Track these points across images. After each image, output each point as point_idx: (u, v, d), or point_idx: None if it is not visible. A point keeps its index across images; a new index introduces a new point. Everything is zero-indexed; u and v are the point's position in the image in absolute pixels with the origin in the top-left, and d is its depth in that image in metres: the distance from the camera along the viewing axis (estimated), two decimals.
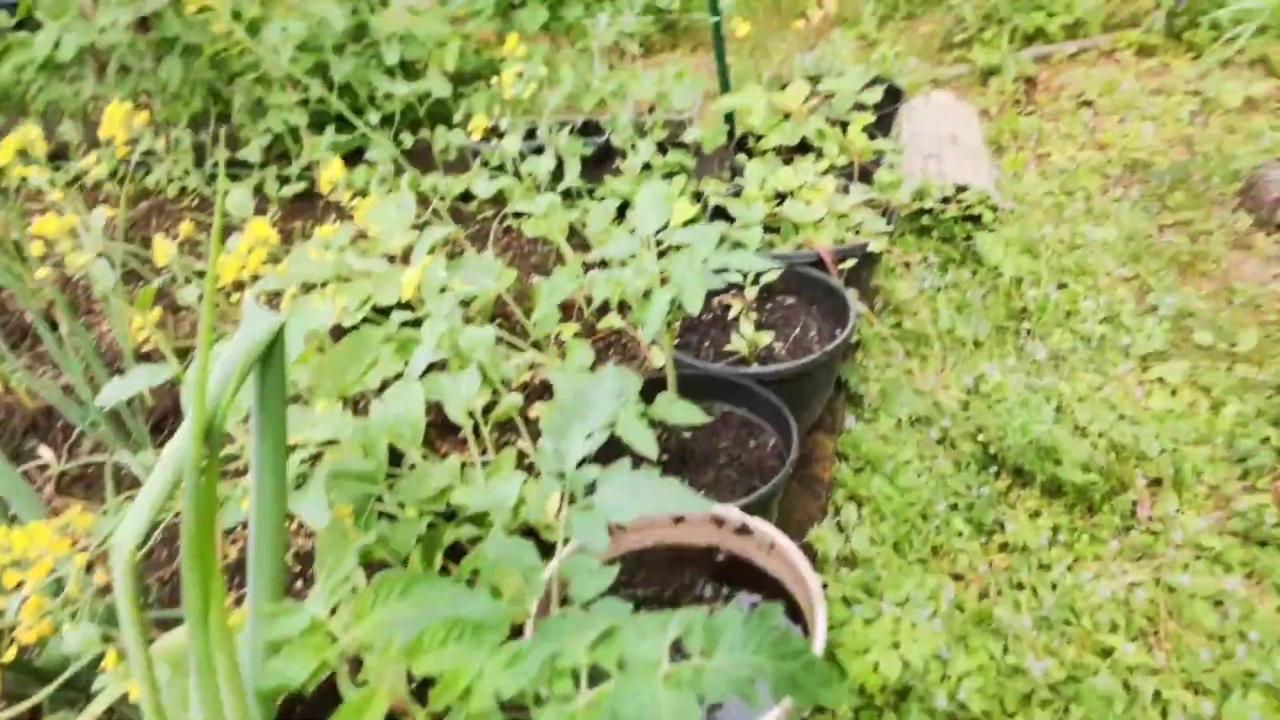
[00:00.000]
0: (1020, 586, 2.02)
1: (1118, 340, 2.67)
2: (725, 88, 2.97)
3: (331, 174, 2.21)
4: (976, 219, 3.02)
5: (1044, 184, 3.47)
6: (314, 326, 1.40)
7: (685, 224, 2.57)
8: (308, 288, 2.14)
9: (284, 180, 3.66)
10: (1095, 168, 3.56)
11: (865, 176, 2.67)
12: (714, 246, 1.61)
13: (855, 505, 2.22)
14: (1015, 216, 3.21)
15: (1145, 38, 4.47)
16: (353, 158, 3.59)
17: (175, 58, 3.39)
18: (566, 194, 3.22)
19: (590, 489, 1.04)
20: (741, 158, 2.78)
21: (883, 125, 3.19)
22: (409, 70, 3.35)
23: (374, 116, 3.33)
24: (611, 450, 1.15)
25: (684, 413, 1.68)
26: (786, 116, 2.73)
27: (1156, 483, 2.21)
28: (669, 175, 3.03)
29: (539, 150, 3.03)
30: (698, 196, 2.68)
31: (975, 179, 3.05)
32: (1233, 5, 4.33)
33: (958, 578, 2.07)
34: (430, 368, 1.62)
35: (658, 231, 1.71)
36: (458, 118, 3.24)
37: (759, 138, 2.77)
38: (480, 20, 2.90)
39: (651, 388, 1.87)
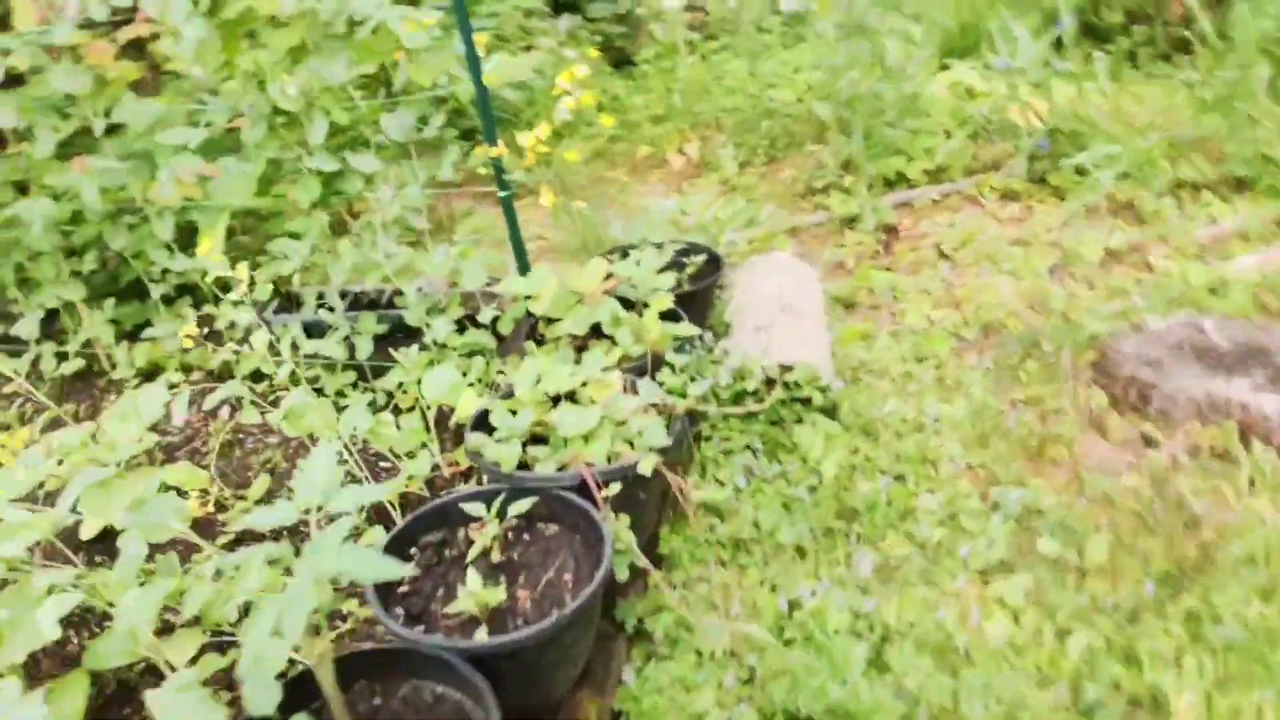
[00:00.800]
0: None
1: (956, 546, 2.34)
2: (522, 266, 2.66)
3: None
4: (807, 401, 2.71)
5: (895, 348, 3.19)
6: None
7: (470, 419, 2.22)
8: None
9: (62, 357, 3.23)
10: (950, 329, 3.30)
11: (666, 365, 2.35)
12: (341, 537, 1.23)
13: None
14: (857, 390, 2.91)
15: (1008, 182, 4.33)
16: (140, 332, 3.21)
17: None
18: (360, 374, 2.86)
19: None
20: (530, 346, 2.44)
21: (702, 299, 2.90)
22: (188, 243, 3.00)
23: (157, 290, 2.96)
24: None
25: None
26: (579, 301, 2.41)
27: None
28: (471, 354, 2.69)
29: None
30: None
31: (807, 353, 2.76)
32: (1094, 149, 4.23)
33: None
34: None
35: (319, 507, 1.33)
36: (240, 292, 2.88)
37: (551, 321, 2.45)
38: (246, 195, 2.57)
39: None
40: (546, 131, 2.71)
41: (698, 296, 2.82)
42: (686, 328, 2.41)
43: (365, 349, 2.71)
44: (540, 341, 2.49)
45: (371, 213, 2.63)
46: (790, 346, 2.77)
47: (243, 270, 2.53)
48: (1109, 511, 2.40)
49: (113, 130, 2.82)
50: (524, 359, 2.32)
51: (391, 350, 2.65)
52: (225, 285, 3.03)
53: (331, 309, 2.71)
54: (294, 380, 2.66)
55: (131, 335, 3.25)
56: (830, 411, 2.75)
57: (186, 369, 3.18)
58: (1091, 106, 4.35)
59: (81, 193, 2.67)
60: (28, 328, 3.15)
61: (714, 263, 2.98)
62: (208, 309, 3.05)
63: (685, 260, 2.95)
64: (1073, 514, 2.40)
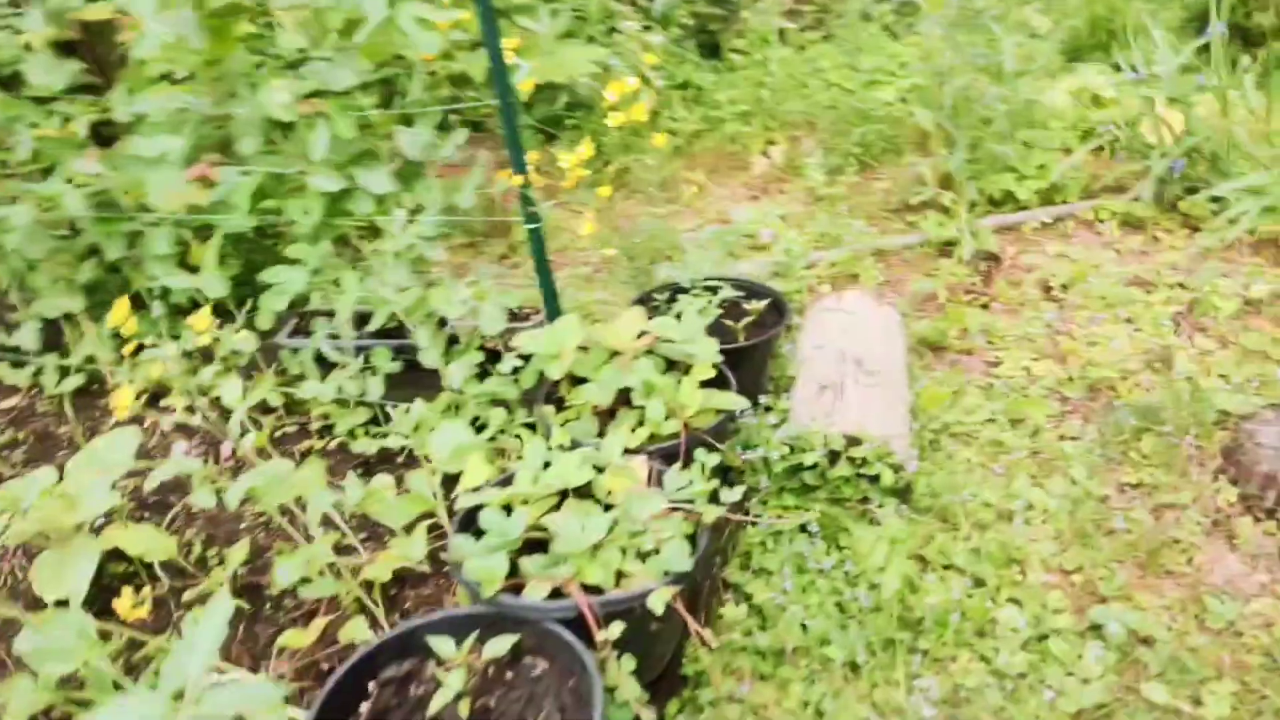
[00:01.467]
0: None
1: (1042, 680, 1.97)
2: (551, 311, 2.35)
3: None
4: (875, 479, 2.35)
5: (985, 406, 2.79)
6: None
7: (475, 490, 1.94)
8: None
9: (64, 371, 3.09)
10: (1051, 388, 2.88)
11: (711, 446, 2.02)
12: None
13: None
14: (935, 464, 2.54)
15: (1132, 207, 3.83)
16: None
17: None
18: (373, 416, 2.62)
19: None
20: (548, 413, 2.14)
21: (761, 353, 2.54)
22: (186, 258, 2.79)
23: (158, 307, 2.76)
24: None
25: None
26: (614, 356, 2.10)
27: None
28: (497, 403, 2.42)
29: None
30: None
31: (880, 422, 2.39)
32: (1236, 176, 3.69)
33: None
34: None
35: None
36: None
37: (578, 381, 2.14)
38: (238, 214, 2.33)
39: None
40: (589, 152, 2.39)
41: (756, 350, 2.47)
42: (732, 399, 2.08)
43: (376, 390, 2.46)
44: (560, 405, 2.19)
45: (383, 239, 2.37)
46: (860, 413, 2.41)
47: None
48: (1235, 648, 2.00)
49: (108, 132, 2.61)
50: (533, 434, 2.02)
51: (412, 388, 2.40)
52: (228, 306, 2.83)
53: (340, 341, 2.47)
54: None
55: (139, 351, 3.08)
56: (903, 492, 2.38)
57: (191, 393, 2.99)
58: (1236, 125, 3.79)
59: (63, 200, 2.47)
60: (28, 338, 3.00)
61: (777, 309, 2.62)
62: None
63: (745, 304, 2.60)
64: (1189, 648, 2.00)
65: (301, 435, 2.86)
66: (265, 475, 1.90)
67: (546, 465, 1.83)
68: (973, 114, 3.91)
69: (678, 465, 1.87)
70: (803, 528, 2.30)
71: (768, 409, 2.48)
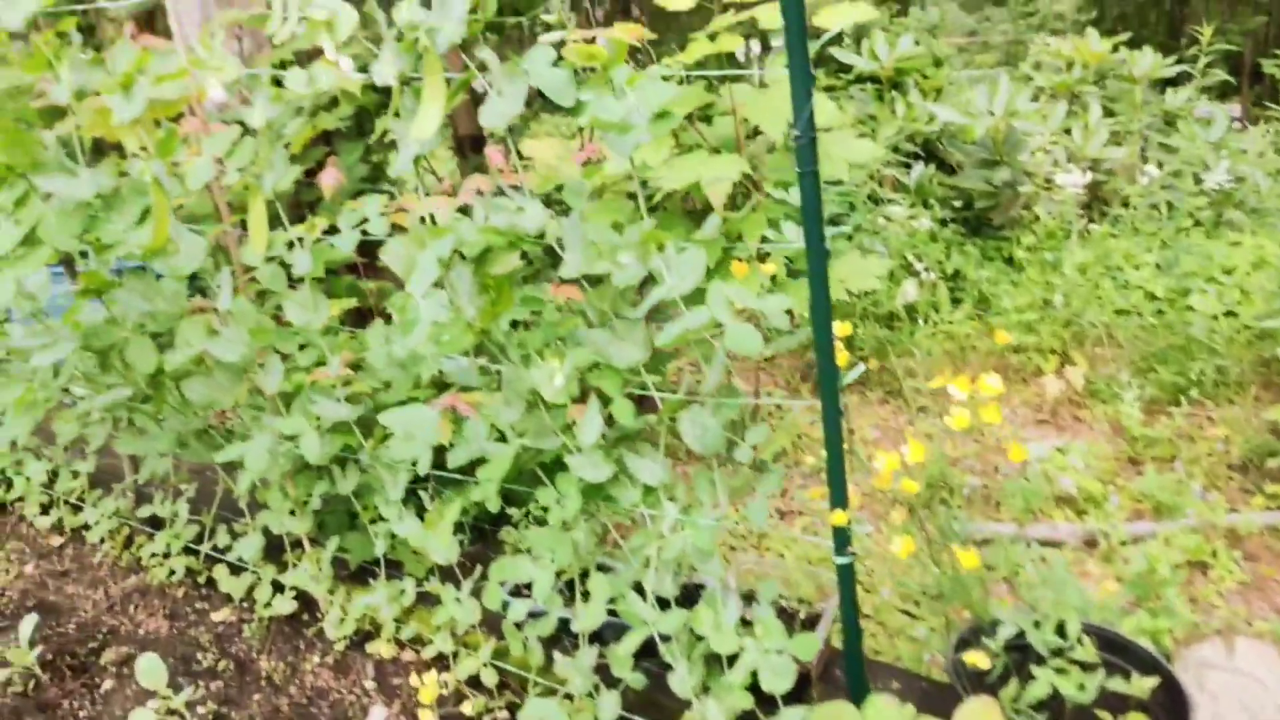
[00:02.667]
0: None
1: None
2: (854, 676, 1.75)
3: None
4: None
5: None
6: None
7: None
8: None
9: (278, 588, 2.78)
10: None
11: None
12: None
13: None
14: None
15: None
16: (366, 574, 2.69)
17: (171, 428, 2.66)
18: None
19: None
20: None
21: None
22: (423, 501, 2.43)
23: (381, 545, 2.41)
24: None
25: None
26: None
27: None
28: None
29: None
30: None
31: None
32: None
33: None
34: None
35: None
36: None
37: None
38: (486, 487, 1.91)
39: None
40: (918, 453, 1.82)
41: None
42: None
43: (610, 709, 1.95)
44: None
45: (644, 536, 1.87)
46: None
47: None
48: None
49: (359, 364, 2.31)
50: None
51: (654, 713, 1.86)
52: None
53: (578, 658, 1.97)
54: None
55: (358, 575, 2.74)
56: None
57: (400, 644, 2.59)
58: None
59: (302, 441, 2.16)
60: (249, 550, 2.72)
61: (1173, 696, 1.87)
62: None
63: (1114, 671, 1.88)
64: None
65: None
66: None
67: None
68: None
69: None
70: None
71: None
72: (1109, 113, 5.58)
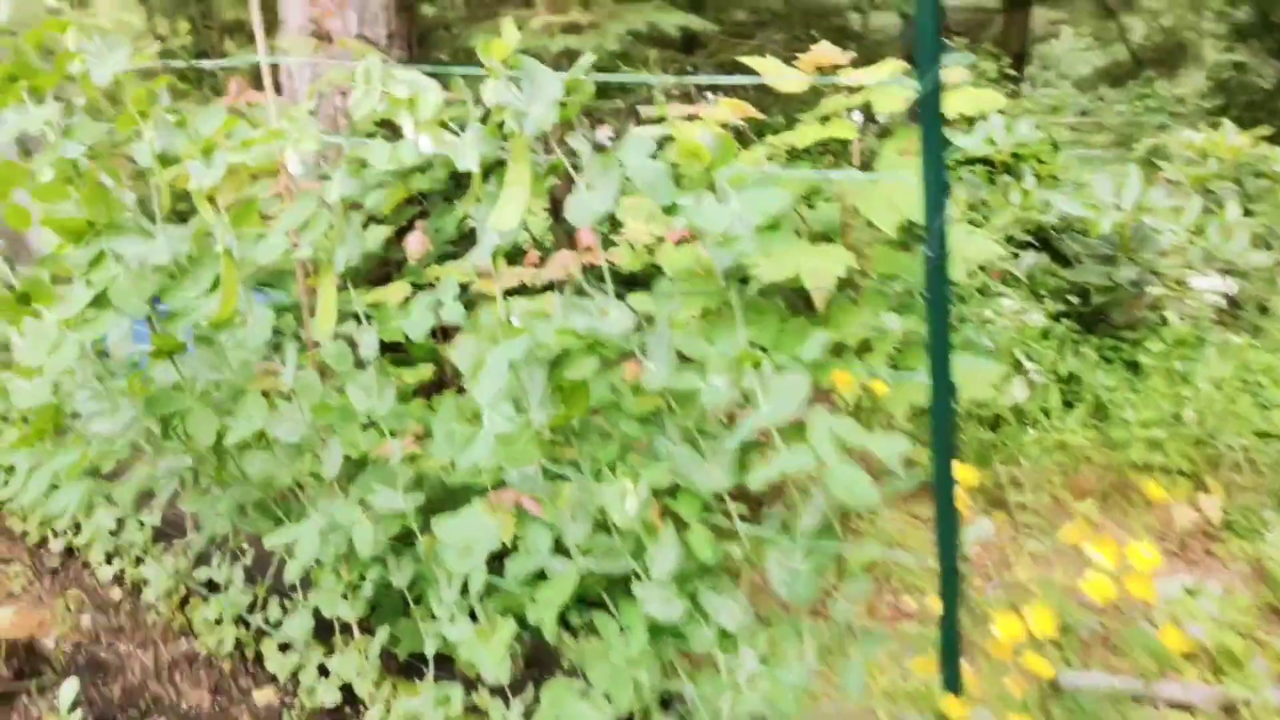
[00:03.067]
0: None
1: None
2: None
3: None
4: None
5: None
6: None
7: None
8: None
9: (324, 672, 2.63)
10: None
11: None
12: None
13: None
14: None
15: None
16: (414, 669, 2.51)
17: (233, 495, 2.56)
18: None
19: None
20: None
21: None
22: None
23: (432, 645, 2.22)
24: None
25: None
26: None
27: None
28: None
29: None
30: None
31: None
32: None
33: None
34: None
35: None
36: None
37: None
38: (544, 611, 1.73)
39: None
40: (1046, 624, 1.56)
41: None
42: None
43: None
44: None
45: (716, 686, 1.64)
46: None
47: None
48: None
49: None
50: None
51: None
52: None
53: None
54: None
55: (407, 669, 2.56)
56: None
57: None
58: None
59: (354, 531, 2.02)
60: (297, 630, 2.58)
61: None
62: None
63: None
64: None
65: None
66: None
67: None
68: None
69: None
70: None
71: None
72: (1247, 212, 5.19)
